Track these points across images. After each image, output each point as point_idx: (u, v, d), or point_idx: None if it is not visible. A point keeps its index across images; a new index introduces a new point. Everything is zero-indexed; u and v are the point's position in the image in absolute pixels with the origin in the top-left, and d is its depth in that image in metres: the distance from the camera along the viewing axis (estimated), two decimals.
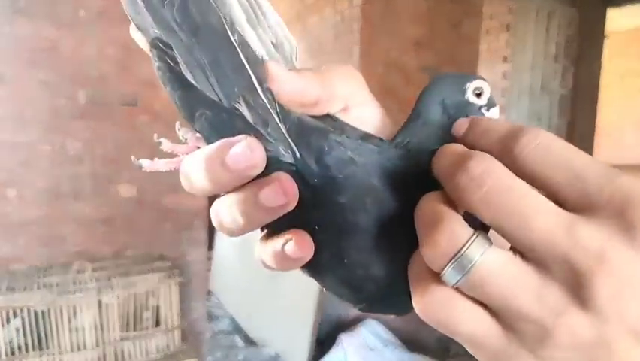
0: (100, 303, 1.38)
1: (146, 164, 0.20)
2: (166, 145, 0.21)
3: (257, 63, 0.17)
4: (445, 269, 0.14)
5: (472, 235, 0.14)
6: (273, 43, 0.18)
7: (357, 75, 0.20)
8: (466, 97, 0.19)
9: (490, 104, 0.20)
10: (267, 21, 0.18)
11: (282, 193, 0.16)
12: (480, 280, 0.13)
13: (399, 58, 2.38)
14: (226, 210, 0.17)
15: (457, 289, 0.14)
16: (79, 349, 1.36)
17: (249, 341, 2.35)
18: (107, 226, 1.69)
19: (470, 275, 0.13)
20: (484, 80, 0.20)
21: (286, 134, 0.17)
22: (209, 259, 2.85)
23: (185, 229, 1.80)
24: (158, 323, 1.49)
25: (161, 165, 0.20)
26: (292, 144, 0.17)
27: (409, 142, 0.18)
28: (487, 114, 0.19)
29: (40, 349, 1.32)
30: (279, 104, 0.17)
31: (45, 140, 1.58)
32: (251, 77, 0.17)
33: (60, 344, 1.33)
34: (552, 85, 2.77)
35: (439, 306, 0.14)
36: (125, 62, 1.67)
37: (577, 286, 0.12)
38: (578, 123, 2.74)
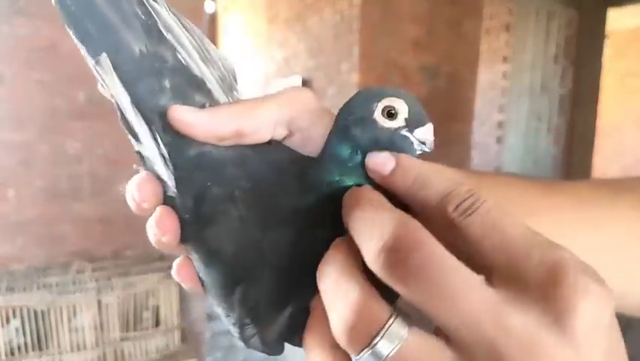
0: (99, 303, 1.38)
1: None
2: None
3: (156, 113, 0.18)
4: (360, 356, 0.12)
5: (390, 317, 0.12)
6: (219, 77, 0.20)
7: (304, 98, 0.19)
8: (373, 117, 0.16)
9: (413, 124, 0.16)
10: (212, 58, 0.20)
11: (158, 227, 0.18)
12: None
13: (399, 58, 2.38)
14: (147, 230, 0.19)
15: None
16: (78, 349, 1.36)
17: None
18: (107, 225, 1.69)
19: None
20: (399, 96, 0.16)
21: (167, 172, 0.18)
22: None
23: None
24: (157, 323, 1.49)
25: None
26: (173, 181, 0.18)
27: (311, 173, 0.17)
28: (410, 137, 0.16)
29: (40, 349, 1.32)
30: (178, 143, 0.18)
31: (44, 140, 1.58)
32: (139, 126, 0.18)
33: (60, 344, 1.33)
34: (552, 85, 2.77)
35: None
36: None
37: None
38: (578, 123, 2.74)
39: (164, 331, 1.49)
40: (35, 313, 1.31)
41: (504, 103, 3.27)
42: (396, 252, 0.12)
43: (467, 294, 0.12)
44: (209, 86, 0.19)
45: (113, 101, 0.19)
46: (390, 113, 0.16)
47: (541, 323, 0.11)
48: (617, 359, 0.11)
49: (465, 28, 2.54)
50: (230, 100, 0.20)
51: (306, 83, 2.76)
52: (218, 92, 0.19)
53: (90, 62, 0.18)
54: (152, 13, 0.18)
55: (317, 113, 0.19)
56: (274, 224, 0.17)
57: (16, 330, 1.32)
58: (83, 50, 0.18)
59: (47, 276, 1.46)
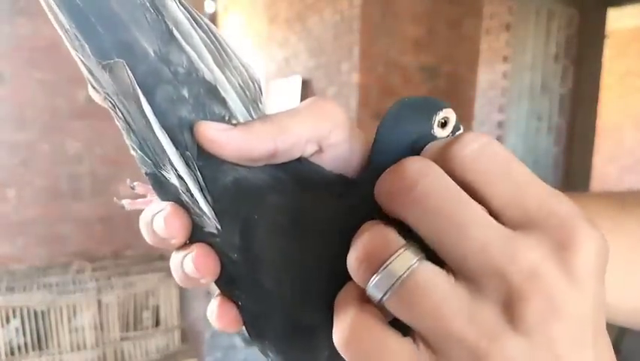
0: (99, 303, 1.38)
1: (127, 203, 0.20)
2: (126, 203, 0.21)
3: (181, 130, 0.16)
4: (370, 282, 0.12)
5: (402, 247, 0.12)
6: (240, 85, 0.17)
7: (333, 113, 0.18)
8: (432, 131, 0.16)
9: (456, 130, 0.16)
10: (232, 63, 0.17)
11: (197, 269, 0.16)
12: (407, 296, 0.12)
13: (399, 58, 2.38)
14: (171, 265, 0.17)
15: (384, 313, 0.13)
16: (78, 349, 1.36)
17: (249, 342, 2.35)
18: (107, 225, 1.69)
19: (396, 290, 0.12)
20: (449, 106, 0.16)
21: (206, 205, 0.16)
22: None
23: None
24: (157, 323, 1.49)
25: (138, 204, 0.21)
26: (214, 215, 0.16)
27: (364, 190, 0.15)
28: None
29: (40, 349, 1.33)
30: (212, 168, 0.16)
31: (44, 139, 1.58)
32: (168, 147, 0.16)
33: (60, 343, 1.33)
34: (552, 85, 2.77)
35: (360, 334, 0.13)
36: None
37: (509, 306, 0.11)
38: (578, 123, 2.74)
39: (164, 331, 1.49)
40: (35, 313, 1.31)
41: (504, 103, 3.27)
42: (404, 179, 0.13)
43: (476, 224, 0.12)
44: (224, 94, 0.17)
45: (112, 111, 0.16)
46: (443, 123, 0.16)
47: (547, 257, 0.11)
48: (600, 306, 0.12)
49: (465, 28, 2.54)
50: (252, 112, 0.18)
51: (306, 83, 2.76)
52: (235, 102, 0.17)
53: (88, 62, 0.15)
54: (159, 5, 0.15)
55: (348, 128, 0.18)
56: (328, 259, 0.15)
57: (16, 330, 1.32)
58: (79, 48, 0.15)
59: (47, 276, 1.46)
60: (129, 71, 0.15)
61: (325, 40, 2.58)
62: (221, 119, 0.16)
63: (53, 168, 1.60)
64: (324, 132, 0.17)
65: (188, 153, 0.16)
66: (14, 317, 1.32)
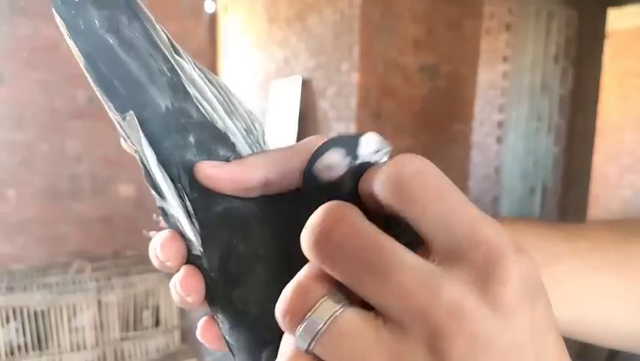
0: (99, 303, 1.37)
1: (152, 234, 0.22)
2: (151, 234, 0.23)
3: (181, 169, 0.18)
4: (296, 332, 0.13)
5: (324, 295, 0.13)
6: (245, 130, 0.20)
7: None
8: (358, 155, 0.16)
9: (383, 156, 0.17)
10: (237, 111, 0.20)
11: (182, 287, 0.18)
12: (331, 344, 0.12)
13: (399, 58, 2.38)
14: (170, 286, 0.19)
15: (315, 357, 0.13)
16: (78, 349, 1.36)
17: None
18: (107, 225, 1.69)
19: (320, 339, 0.12)
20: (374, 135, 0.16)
21: (192, 231, 0.18)
22: None
23: None
24: (157, 323, 1.49)
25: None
26: (200, 239, 0.18)
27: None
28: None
29: (40, 349, 1.32)
30: (205, 199, 0.18)
31: (44, 140, 1.58)
32: (162, 182, 0.18)
33: (60, 343, 1.33)
34: (552, 85, 2.77)
35: None
36: None
37: (434, 347, 0.11)
38: (578, 123, 2.74)
39: (164, 331, 1.49)
40: (35, 313, 1.31)
41: (504, 103, 3.27)
42: (318, 232, 0.12)
43: (395, 268, 0.12)
44: (233, 139, 0.19)
45: (136, 157, 0.19)
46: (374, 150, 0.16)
47: (470, 291, 0.11)
48: (542, 330, 0.11)
49: (465, 28, 2.54)
50: (256, 152, 0.20)
51: (306, 82, 2.76)
52: (242, 145, 0.19)
53: (116, 117, 0.18)
54: (177, 68, 0.18)
55: None
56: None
57: (17, 330, 1.32)
58: (108, 106, 0.18)
59: (47, 276, 1.46)
60: (137, 122, 0.17)
61: (325, 40, 2.58)
62: (226, 160, 0.19)
63: (53, 169, 1.60)
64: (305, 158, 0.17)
65: (180, 185, 0.18)
66: (14, 317, 1.31)
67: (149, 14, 0.18)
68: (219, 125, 0.18)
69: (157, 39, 0.18)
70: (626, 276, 0.22)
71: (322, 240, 0.12)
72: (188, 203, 0.18)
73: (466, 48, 2.56)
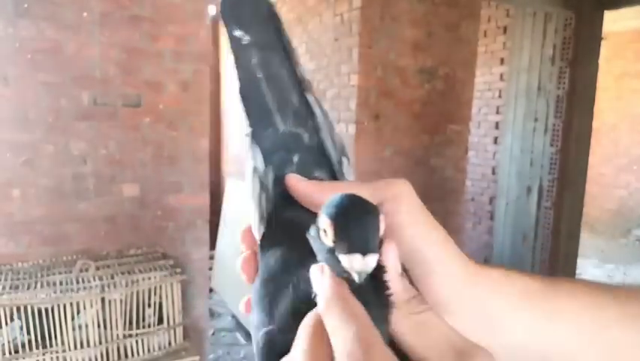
0: (103, 301, 1.39)
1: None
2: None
3: (273, 180, 0.22)
4: None
5: None
6: (337, 161, 0.24)
7: (396, 187, 0.21)
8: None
9: (339, 248, 0.17)
10: (335, 143, 0.24)
11: (240, 267, 0.24)
12: None
13: (398, 60, 2.41)
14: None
15: None
16: (82, 346, 1.37)
17: (251, 339, 2.37)
18: (111, 224, 1.70)
19: None
20: (329, 216, 0.17)
21: (260, 228, 0.22)
22: (212, 257, 2.87)
23: (188, 228, 1.82)
24: (160, 321, 1.51)
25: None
26: (260, 236, 0.22)
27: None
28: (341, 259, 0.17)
29: (44, 346, 1.33)
30: (281, 206, 0.22)
31: (49, 140, 1.60)
32: (252, 185, 0.22)
33: (63, 341, 1.34)
34: (549, 86, 2.80)
35: None
36: (128, 63, 1.69)
37: None
38: (575, 124, 2.77)
39: (167, 328, 1.51)
40: (39, 311, 1.32)
41: (501, 104, 3.30)
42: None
43: None
44: (332, 162, 0.23)
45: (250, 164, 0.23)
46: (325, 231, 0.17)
47: None
48: None
49: (463, 31, 2.57)
50: (339, 166, 0.23)
51: None
52: (338, 171, 0.23)
53: (246, 130, 0.22)
54: (304, 103, 0.22)
55: (408, 204, 0.21)
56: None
57: (20, 328, 1.33)
58: (245, 123, 0.22)
59: (51, 274, 1.48)
60: (251, 137, 0.22)
61: (325, 43, 2.61)
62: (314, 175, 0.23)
63: (57, 169, 1.62)
64: (381, 201, 0.21)
65: (265, 192, 0.22)
66: (18, 314, 1.33)
67: (298, 57, 0.22)
68: (328, 150, 0.23)
69: (295, 78, 0.22)
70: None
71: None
72: (264, 208, 0.22)
73: (463, 50, 2.59)
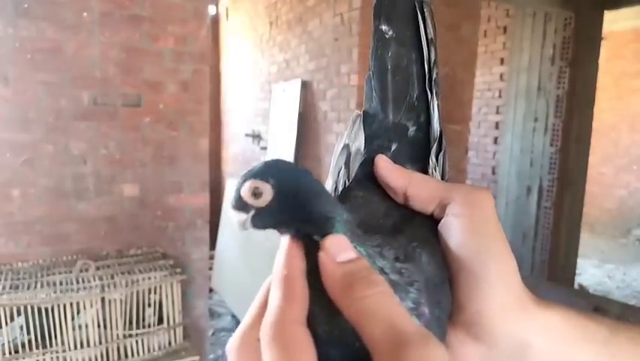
0: (103, 301, 1.39)
1: None
2: None
3: (369, 155, 0.24)
4: None
5: None
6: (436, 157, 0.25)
7: (477, 198, 0.21)
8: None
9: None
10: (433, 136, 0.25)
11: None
12: None
13: None
14: None
15: None
16: (82, 346, 1.37)
17: None
18: (111, 224, 1.70)
19: None
20: (262, 176, 0.18)
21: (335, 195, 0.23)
22: (212, 257, 2.87)
23: (188, 228, 1.83)
24: (160, 321, 1.51)
25: None
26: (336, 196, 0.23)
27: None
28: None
29: (44, 346, 1.33)
30: (361, 184, 0.23)
31: (49, 140, 1.60)
32: (338, 161, 0.24)
33: (63, 341, 1.34)
34: (549, 86, 2.80)
35: None
36: (128, 63, 1.69)
37: None
38: (574, 124, 2.77)
39: (167, 328, 1.51)
40: (40, 310, 1.32)
41: (501, 104, 3.30)
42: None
43: None
44: (430, 157, 0.23)
45: (352, 146, 0.24)
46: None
47: None
48: None
49: (463, 31, 2.57)
50: (431, 156, 0.24)
51: (306, 84, 2.78)
52: (431, 167, 0.24)
53: (356, 119, 0.24)
54: (425, 98, 0.23)
55: (481, 213, 0.20)
56: None
57: (21, 328, 1.33)
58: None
59: (51, 274, 1.48)
60: (360, 120, 0.24)
61: (325, 43, 2.61)
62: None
63: (58, 169, 1.62)
64: (451, 200, 0.21)
65: (346, 169, 0.23)
66: (19, 314, 1.33)
67: (435, 56, 0.23)
68: (431, 143, 0.23)
69: (422, 74, 0.23)
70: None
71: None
72: (347, 176, 0.23)
73: (463, 50, 2.59)
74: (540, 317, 0.20)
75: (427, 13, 0.23)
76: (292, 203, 0.18)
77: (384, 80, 0.23)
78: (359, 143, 0.23)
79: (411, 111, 0.23)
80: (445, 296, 0.19)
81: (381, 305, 0.15)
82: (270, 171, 0.18)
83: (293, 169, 0.18)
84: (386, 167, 0.22)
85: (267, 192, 0.18)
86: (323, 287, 0.17)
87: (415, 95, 0.23)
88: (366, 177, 0.23)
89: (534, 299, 0.20)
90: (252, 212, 0.18)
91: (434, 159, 0.24)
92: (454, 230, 0.20)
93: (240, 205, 0.18)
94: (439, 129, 0.24)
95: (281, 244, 0.18)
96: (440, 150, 0.24)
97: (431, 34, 0.23)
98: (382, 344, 0.14)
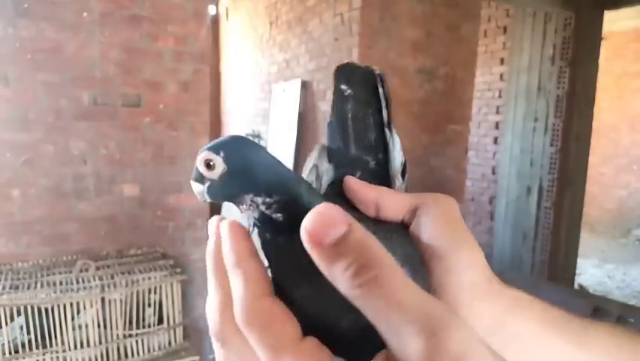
0: (103, 301, 1.39)
1: None
2: None
3: (336, 180, 0.25)
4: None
5: None
6: (397, 181, 0.26)
7: (444, 203, 0.22)
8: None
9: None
10: (394, 168, 0.26)
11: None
12: None
13: (398, 60, 2.41)
14: None
15: None
16: (82, 346, 1.37)
17: None
18: (111, 224, 1.70)
19: None
20: (216, 148, 0.19)
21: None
22: None
23: (188, 228, 1.83)
24: (160, 321, 1.51)
25: None
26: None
27: None
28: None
29: (44, 346, 1.34)
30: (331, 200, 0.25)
31: (49, 140, 1.60)
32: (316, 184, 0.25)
33: (63, 341, 1.34)
34: (549, 86, 2.80)
35: None
36: (128, 63, 1.69)
37: None
38: (574, 124, 2.77)
39: (167, 328, 1.51)
40: (40, 310, 1.32)
41: (501, 104, 3.30)
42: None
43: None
44: (397, 176, 0.25)
45: (311, 171, 0.26)
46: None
47: None
48: None
49: (463, 31, 2.57)
50: (396, 182, 0.26)
51: (306, 84, 2.78)
52: (398, 183, 0.26)
53: (322, 150, 0.26)
54: (382, 141, 0.26)
55: (446, 208, 0.22)
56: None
57: (21, 328, 1.33)
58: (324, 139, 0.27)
59: (52, 274, 1.48)
60: (322, 149, 0.25)
61: (325, 43, 2.61)
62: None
63: (58, 169, 1.62)
64: (419, 205, 0.22)
65: (318, 183, 0.25)
66: (19, 314, 1.33)
67: (386, 101, 0.25)
68: (391, 172, 0.25)
69: (379, 125, 0.26)
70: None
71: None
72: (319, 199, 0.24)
73: (463, 50, 2.59)
74: (510, 296, 0.22)
75: (381, 82, 0.26)
76: (243, 176, 0.18)
77: (345, 125, 0.26)
78: (327, 166, 0.25)
79: (370, 150, 0.26)
80: (421, 281, 0.20)
81: (393, 286, 0.14)
82: (223, 144, 0.19)
83: (247, 143, 0.19)
84: (356, 182, 0.24)
85: (219, 164, 0.19)
86: (285, 257, 0.17)
87: (373, 138, 0.26)
88: (335, 195, 0.24)
89: (502, 283, 0.22)
90: (207, 183, 0.19)
91: (400, 179, 0.26)
92: (427, 226, 0.22)
93: (197, 176, 0.19)
94: (402, 161, 0.26)
95: (221, 231, 0.19)
96: (405, 173, 0.27)
97: (387, 97, 0.26)
98: (411, 331, 0.13)
